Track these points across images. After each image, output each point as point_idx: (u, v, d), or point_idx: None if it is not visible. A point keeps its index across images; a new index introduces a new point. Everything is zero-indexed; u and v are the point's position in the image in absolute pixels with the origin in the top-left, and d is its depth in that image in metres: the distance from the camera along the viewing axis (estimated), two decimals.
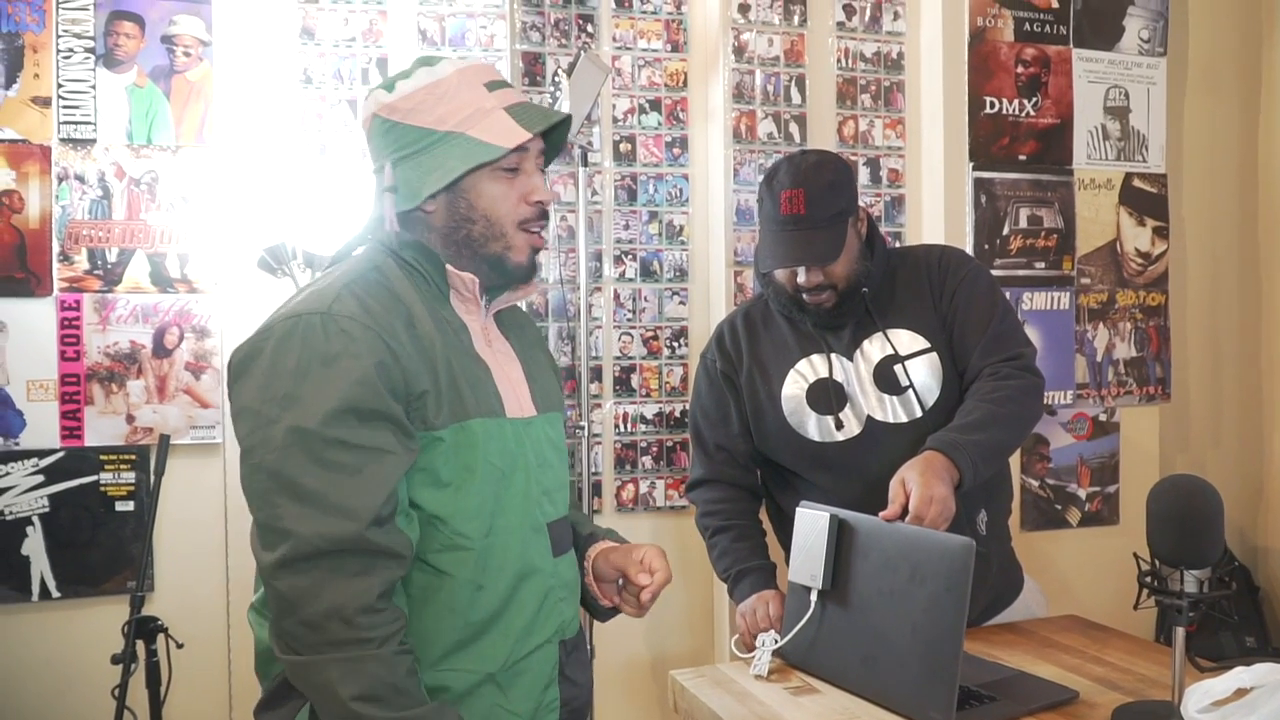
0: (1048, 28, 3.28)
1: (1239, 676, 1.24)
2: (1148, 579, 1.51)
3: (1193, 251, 3.58)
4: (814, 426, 2.06)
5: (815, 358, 2.09)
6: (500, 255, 1.44)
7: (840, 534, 1.76)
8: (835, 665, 1.74)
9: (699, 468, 2.23)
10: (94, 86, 2.64)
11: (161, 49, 2.68)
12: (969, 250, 3.17)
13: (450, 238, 1.42)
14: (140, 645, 2.41)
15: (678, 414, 3.07)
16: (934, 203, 3.21)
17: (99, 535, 2.65)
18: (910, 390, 2.04)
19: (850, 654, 1.71)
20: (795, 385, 2.09)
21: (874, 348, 2.07)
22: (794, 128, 3.14)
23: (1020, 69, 3.26)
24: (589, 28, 3.01)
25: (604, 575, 1.60)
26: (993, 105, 3.22)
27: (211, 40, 2.72)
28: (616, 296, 3.03)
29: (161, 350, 2.69)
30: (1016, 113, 3.25)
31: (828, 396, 2.06)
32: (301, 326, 1.28)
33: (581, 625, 1.58)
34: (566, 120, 1.50)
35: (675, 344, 3.08)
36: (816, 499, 1.90)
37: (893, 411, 2.04)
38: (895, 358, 2.05)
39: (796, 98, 3.15)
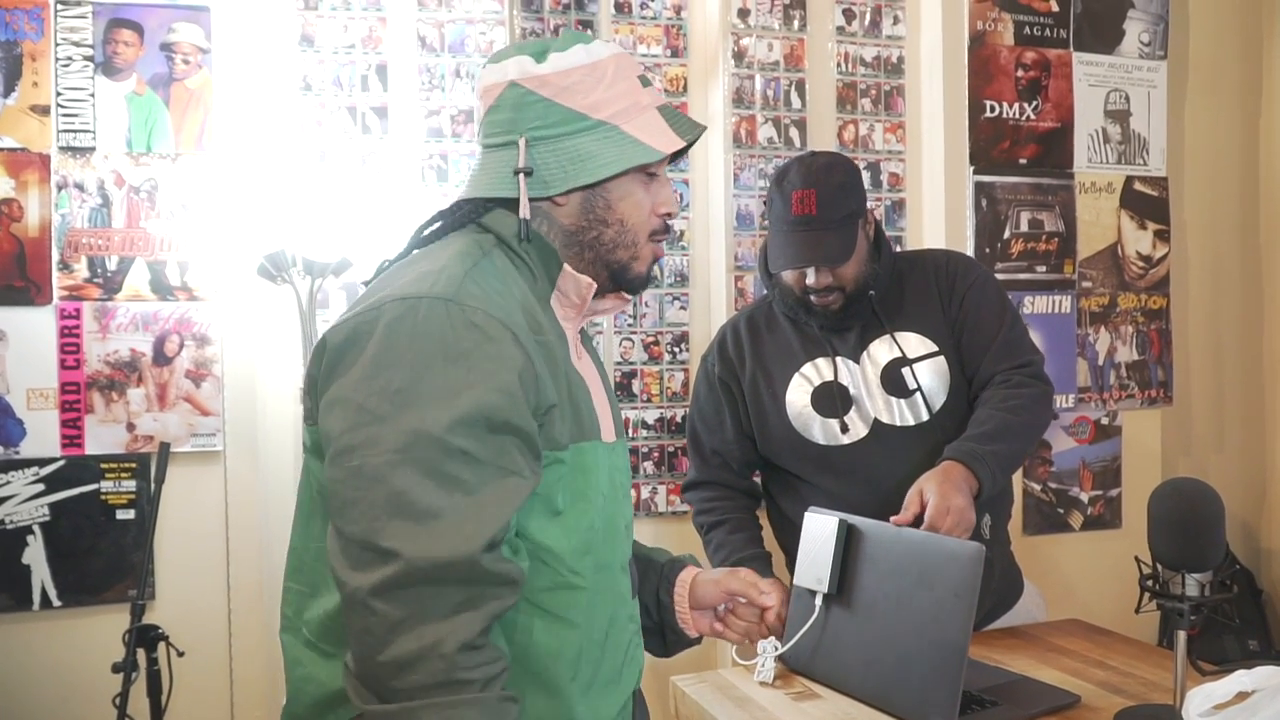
0: (1048, 31, 3.28)
1: (1240, 680, 1.24)
2: (1149, 583, 1.50)
3: (1194, 254, 3.57)
4: (819, 430, 2.06)
5: (820, 361, 2.09)
6: (625, 264, 1.29)
7: (848, 539, 1.76)
8: (838, 670, 1.73)
9: (695, 470, 2.24)
10: (93, 94, 2.64)
11: (161, 57, 2.69)
12: (970, 254, 3.16)
13: (576, 237, 1.26)
14: (141, 654, 2.40)
15: (679, 419, 3.06)
16: (935, 207, 3.20)
17: (100, 544, 2.65)
18: (918, 393, 2.04)
19: (854, 659, 1.70)
20: (800, 389, 2.08)
21: (881, 350, 2.07)
22: (794, 132, 3.14)
23: (1020, 73, 3.25)
24: (589, 33, 3.01)
25: (707, 600, 1.50)
26: (993, 109, 3.22)
27: (211, 48, 2.72)
28: None
29: (162, 358, 2.69)
30: (1017, 116, 3.25)
31: (833, 400, 2.05)
32: (423, 311, 1.09)
33: None
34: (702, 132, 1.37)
35: (676, 349, 3.08)
36: (822, 503, 1.90)
37: (900, 414, 2.04)
38: (903, 360, 2.05)
39: (796, 102, 3.15)
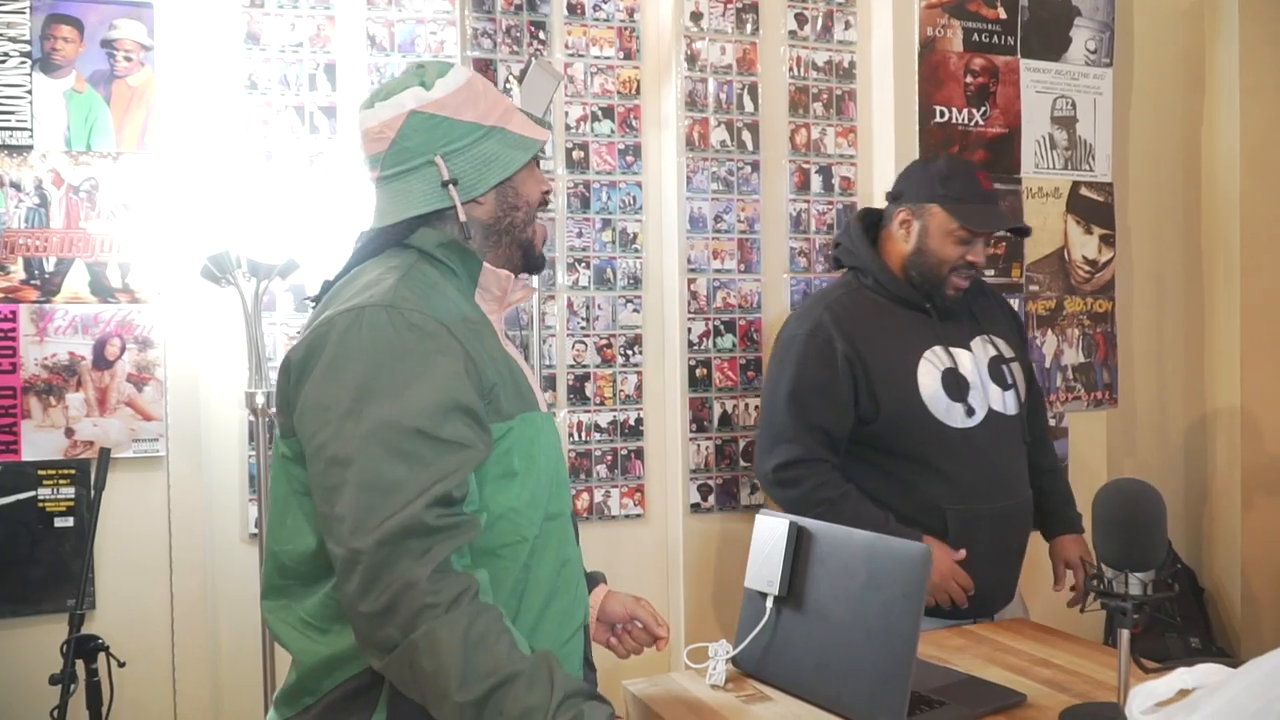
0: (996, 38, 3.32)
1: (1181, 677, 1.25)
2: (1094, 582, 1.52)
3: (1138, 259, 3.63)
4: (949, 412, 2.21)
5: (938, 348, 2.25)
6: (530, 240, 1.52)
7: (799, 541, 1.76)
8: (789, 672, 1.73)
9: (793, 448, 2.24)
10: (30, 91, 2.58)
11: (101, 53, 2.63)
12: None
13: (494, 226, 1.48)
14: (80, 665, 2.36)
15: (632, 422, 3.05)
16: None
17: (37, 552, 2.58)
18: (1014, 389, 2.30)
19: (804, 661, 1.70)
20: (929, 373, 2.23)
21: (983, 346, 2.30)
22: (746, 135, 3.15)
23: (969, 79, 3.29)
24: (541, 35, 2.99)
25: (613, 615, 1.69)
26: (943, 114, 3.25)
27: (153, 44, 2.67)
28: (570, 304, 3.01)
29: (102, 362, 2.63)
30: (966, 122, 3.28)
31: (958, 384, 2.23)
32: (367, 318, 1.29)
33: None
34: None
35: (629, 352, 3.07)
36: (927, 486, 2.17)
37: (1005, 404, 2.28)
38: (1001, 358, 2.31)
39: (749, 106, 3.16)
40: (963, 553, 2.17)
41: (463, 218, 1.43)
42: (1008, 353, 2.34)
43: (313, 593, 1.36)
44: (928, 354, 2.23)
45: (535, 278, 1.62)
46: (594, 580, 1.71)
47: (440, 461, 1.25)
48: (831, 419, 2.23)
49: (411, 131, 1.42)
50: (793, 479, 2.25)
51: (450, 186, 1.41)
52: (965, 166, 2.32)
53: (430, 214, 1.43)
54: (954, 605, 2.19)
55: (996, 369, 2.28)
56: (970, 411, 2.22)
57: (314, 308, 1.45)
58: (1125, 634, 1.49)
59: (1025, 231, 2.46)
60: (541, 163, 2.82)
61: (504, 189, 1.48)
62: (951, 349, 2.25)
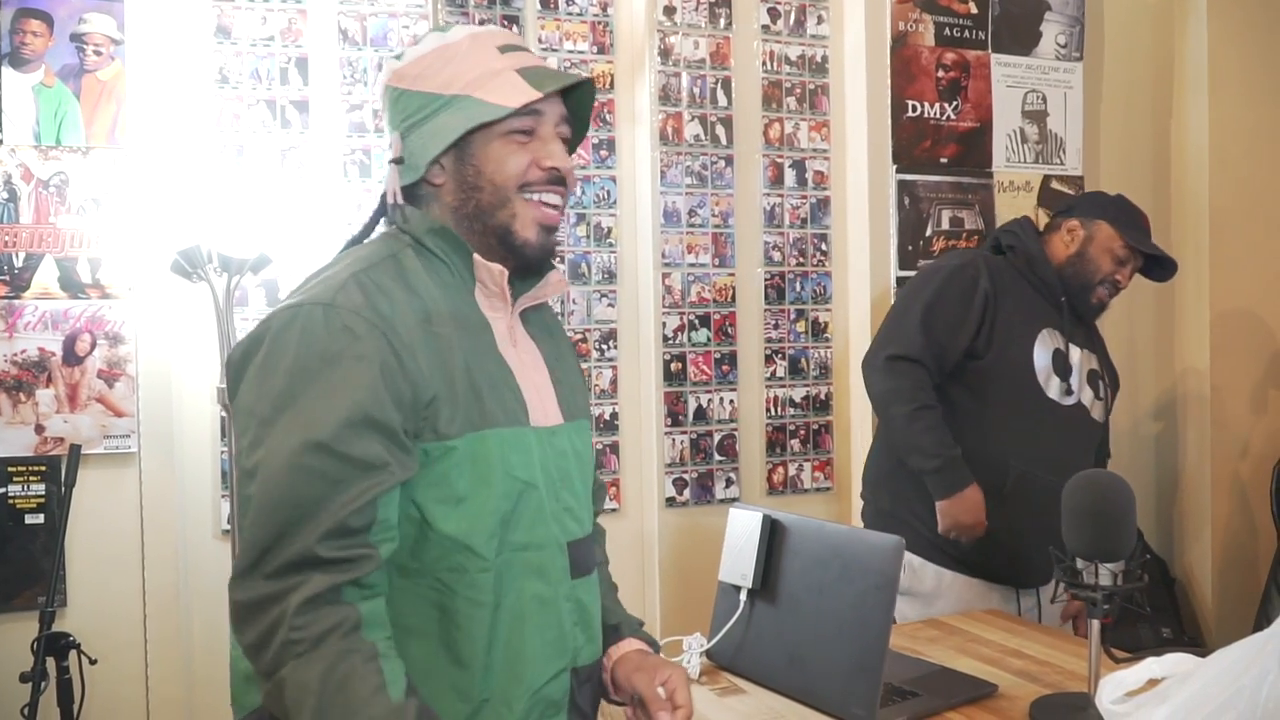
0: (967, 33, 3.34)
1: (1150, 667, 1.26)
2: (1064, 573, 1.53)
3: None
4: (1048, 382, 2.36)
5: (1054, 330, 2.41)
6: (507, 225, 1.28)
7: (772, 533, 1.77)
8: (763, 665, 1.74)
9: (912, 347, 2.33)
10: None
11: (71, 48, 2.61)
12: (893, 251, 3.21)
13: (461, 211, 1.29)
14: (51, 662, 2.34)
15: (607, 416, 3.05)
16: (859, 204, 3.24)
17: (7, 549, 2.56)
18: (1104, 402, 2.47)
19: (778, 653, 1.71)
20: (1044, 344, 2.38)
21: (1088, 357, 2.46)
22: (720, 130, 3.15)
23: (941, 73, 3.30)
24: (514, 29, 2.99)
25: (619, 685, 1.40)
26: (915, 109, 3.26)
27: (124, 39, 2.64)
28: None
29: (72, 358, 2.61)
30: (938, 116, 3.30)
31: (1065, 365, 2.39)
32: (301, 318, 1.16)
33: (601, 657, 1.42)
34: (588, 86, 1.36)
35: (604, 346, 3.07)
36: (1003, 440, 2.29)
37: (1094, 407, 2.44)
38: (1099, 374, 2.47)
39: (723, 100, 3.16)
40: (983, 524, 2.26)
41: (394, 200, 1.31)
42: (1107, 378, 2.52)
43: None
44: (1047, 330, 2.40)
45: (559, 269, 1.37)
46: (618, 631, 1.45)
47: (345, 485, 1.12)
48: (950, 340, 2.34)
49: (387, 107, 1.34)
50: (901, 370, 2.33)
51: (391, 166, 1.31)
52: (1134, 206, 2.52)
53: (421, 195, 1.31)
54: (954, 545, 2.30)
55: (1093, 379, 2.45)
56: (1067, 391, 2.38)
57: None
58: (1096, 624, 1.50)
59: (1171, 269, 2.52)
60: None
61: (461, 167, 1.28)
62: (1070, 341, 2.42)
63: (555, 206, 1.31)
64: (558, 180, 1.30)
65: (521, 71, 1.28)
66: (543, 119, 1.30)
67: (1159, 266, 2.49)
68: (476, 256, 1.28)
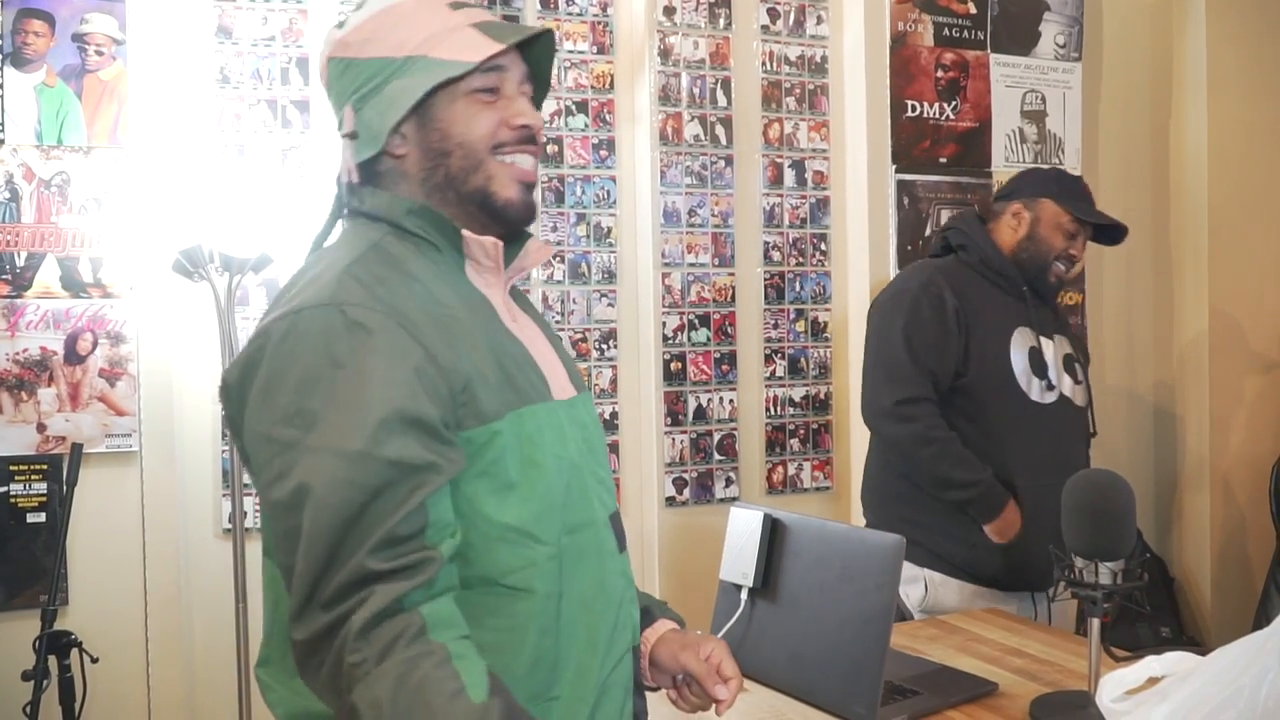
0: (966, 33, 3.34)
1: (1150, 666, 1.27)
2: (1064, 571, 1.54)
3: (1108, 252, 3.66)
4: (1030, 385, 2.33)
5: (1027, 329, 2.37)
6: (484, 188, 1.18)
7: (773, 532, 1.78)
8: (764, 663, 1.74)
9: (910, 386, 2.30)
10: (1, 85, 2.55)
11: (73, 48, 2.61)
12: (893, 250, 3.22)
13: (430, 181, 1.18)
14: (53, 661, 2.35)
15: (607, 416, 3.06)
16: (858, 204, 3.25)
17: (9, 548, 2.56)
18: (1084, 385, 2.45)
19: (779, 652, 1.72)
20: (1019, 346, 2.35)
21: (1060, 342, 2.43)
22: (720, 130, 3.16)
23: (940, 73, 3.31)
24: None
25: (662, 666, 1.33)
26: (914, 109, 3.27)
27: (125, 39, 2.65)
28: (545, 299, 3.01)
29: (74, 357, 2.61)
30: (937, 116, 3.30)
31: (1041, 362, 2.36)
32: (301, 325, 1.05)
33: None
34: (547, 37, 1.25)
35: (604, 346, 3.07)
36: (1000, 455, 2.25)
37: (1075, 395, 2.41)
38: (1074, 357, 2.45)
39: (722, 100, 3.17)
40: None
41: (348, 178, 1.20)
42: (1081, 359, 2.51)
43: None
44: (1019, 330, 2.36)
45: (536, 237, 1.27)
46: (649, 613, 1.39)
47: (389, 491, 1.02)
48: (939, 364, 2.31)
49: (330, 81, 1.21)
50: (910, 415, 2.29)
51: (345, 141, 1.19)
52: (1073, 176, 2.54)
53: (384, 175, 1.19)
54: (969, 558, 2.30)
55: (1069, 364, 2.43)
56: (1050, 387, 2.35)
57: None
58: (1095, 623, 1.51)
59: (1122, 232, 2.51)
60: None
61: (425, 133, 1.17)
62: (1040, 335, 2.39)
63: (528, 162, 1.22)
64: (529, 139, 1.20)
65: (478, 26, 1.18)
66: (506, 75, 1.20)
67: (1110, 232, 2.48)
68: (466, 232, 1.18)
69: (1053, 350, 2.40)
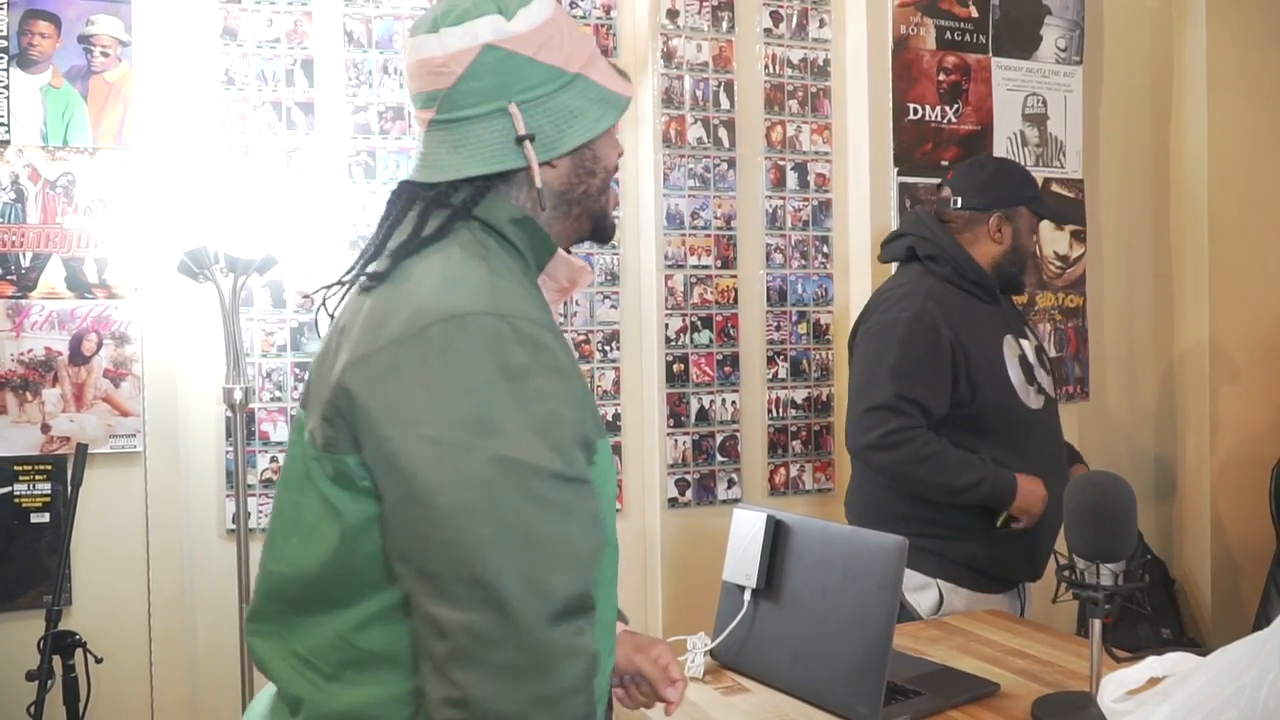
0: (968, 36, 3.35)
1: (1151, 666, 1.28)
2: (1066, 573, 1.55)
3: (1109, 254, 3.68)
4: (1027, 395, 2.35)
5: (1009, 337, 2.38)
6: (604, 209, 1.27)
7: (776, 534, 1.79)
8: (767, 664, 1.75)
9: (894, 417, 2.23)
10: (7, 87, 2.57)
11: (78, 49, 2.62)
12: None
13: (566, 195, 1.22)
14: (57, 660, 2.36)
15: (610, 417, 3.07)
16: (860, 207, 3.26)
17: (13, 548, 2.57)
18: (1051, 374, 2.48)
19: (782, 652, 1.73)
20: (1011, 358, 2.36)
21: (1030, 337, 2.46)
22: (723, 133, 3.17)
23: (942, 76, 3.32)
24: None
25: (617, 666, 1.39)
26: (916, 111, 3.28)
27: (131, 40, 2.66)
28: None
29: (79, 357, 2.62)
30: (939, 119, 3.31)
31: (1029, 369, 2.39)
32: (471, 329, 1.03)
33: None
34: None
35: (607, 348, 3.08)
36: (1010, 465, 2.23)
37: (1051, 389, 2.44)
38: (1042, 349, 2.49)
39: (725, 103, 3.18)
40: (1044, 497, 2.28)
41: (538, 183, 1.16)
42: (1039, 341, 2.53)
43: (312, 626, 1.12)
44: (1005, 340, 2.36)
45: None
46: None
47: (586, 512, 1.04)
48: (931, 399, 2.26)
49: (484, 70, 1.15)
50: (895, 442, 2.24)
51: (526, 143, 1.15)
52: (1023, 169, 2.57)
53: (493, 176, 1.17)
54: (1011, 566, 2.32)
55: (1040, 358, 2.45)
56: (1040, 391, 2.37)
57: (355, 290, 1.18)
58: (1097, 624, 1.52)
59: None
60: None
61: (582, 152, 1.21)
62: (1019, 338, 2.41)
63: None
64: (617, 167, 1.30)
65: (605, 58, 1.26)
66: None
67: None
68: (561, 251, 1.22)
69: (1031, 350, 2.41)
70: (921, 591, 2.27)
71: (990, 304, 2.39)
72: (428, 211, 1.17)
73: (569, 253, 1.27)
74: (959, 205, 2.43)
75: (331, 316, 1.21)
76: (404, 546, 1.03)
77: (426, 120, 1.19)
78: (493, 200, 1.17)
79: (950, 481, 2.22)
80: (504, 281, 1.10)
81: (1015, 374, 2.33)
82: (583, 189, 1.23)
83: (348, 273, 1.19)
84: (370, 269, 1.16)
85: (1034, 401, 2.34)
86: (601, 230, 1.28)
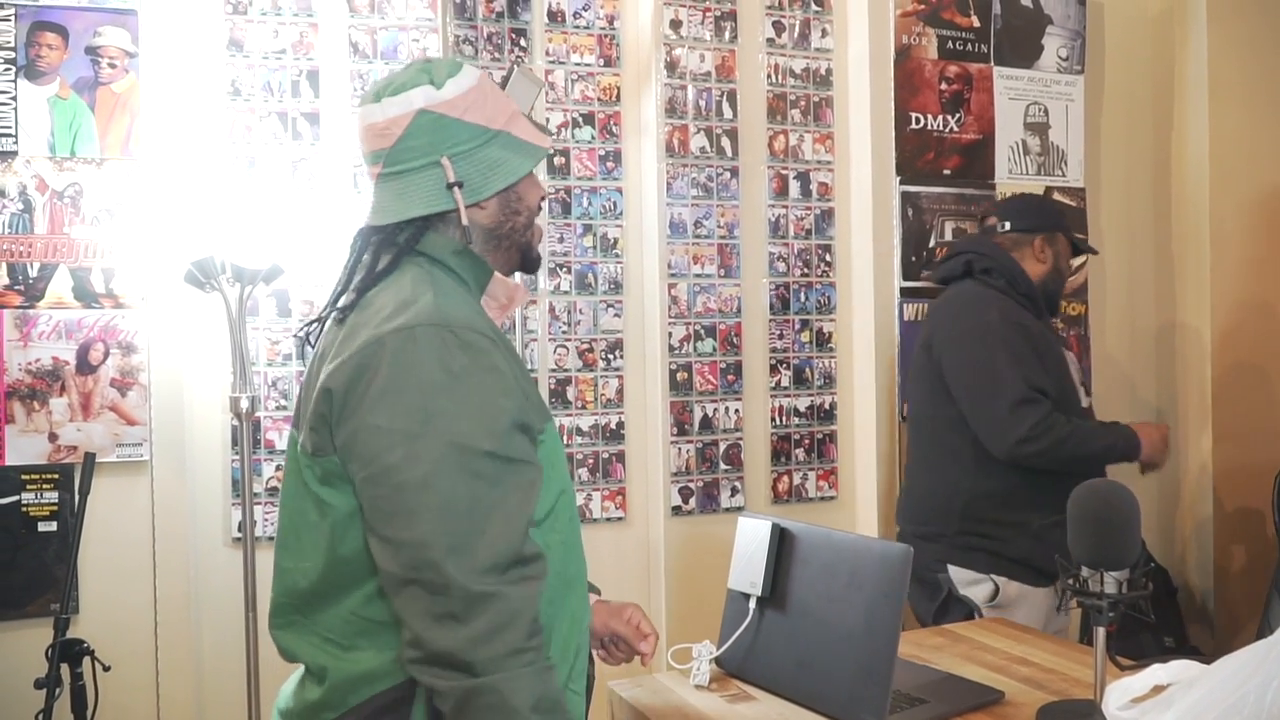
0: (970, 46, 3.37)
1: (1156, 674, 1.29)
2: (1070, 581, 1.55)
3: (1111, 262, 3.69)
4: (1081, 397, 2.64)
5: (1062, 347, 2.66)
6: (530, 243, 1.50)
7: (781, 542, 1.80)
8: (773, 672, 1.76)
9: (1037, 410, 2.40)
10: (14, 98, 2.58)
11: (86, 60, 2.64)
12: (897, 262, 3.24)
13: (495, 231, 1.45)
14: (65, 669, 2.36)
15: (613, 425, 3.08)
16: (862, 216, 3.27)
17: (20, 557, 2.58)
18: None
19: (787, 660, 1.73)
20: (1072, 363, 2.67)
21: (1072, 356, 2.73)
22: (726, 142, 3.18)
23: (944, 86, 3.33)
24: (522, 42, 3.02)
25: (594, 632, 1.63)
26: (918, 121, 3.30)
27: (138, 51, 2.67)
28: (552, 309, 3.03)
29: (86, 367, 2.63)
30: (941, 128, 3.33)
31: (1079, 373, 2.70)
32: (419, 337, 1.25)
33: None
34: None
35: (610, 356, 3.09)
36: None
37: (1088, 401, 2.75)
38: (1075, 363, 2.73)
39: (728, 112, 3.19)
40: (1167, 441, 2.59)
41: (465, 221, 1.39)
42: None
43: (329, 609, 1.33)
44: (1068, 354, 2.64)
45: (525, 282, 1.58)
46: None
47: (519, 484, 1.27)
48: (1046, 383, 2.46)
49: (419, 130, 1.38)
50: (1041, 431, 2.40)
51: (455, 189, 1.38)
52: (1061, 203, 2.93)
53: (433, 217, 1.40)
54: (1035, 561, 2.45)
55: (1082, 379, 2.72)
56: (1088, 393, 2.64)
57: (330, 322, 1.40)
58: (1101, 631, 1.52)
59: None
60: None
61: (507, 194, 1.44)
62: (1066, 350, 2.67)
63: None
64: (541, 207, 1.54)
65: (525, 116, 1.49)
66: None
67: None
68: (498, 274, 1.44)
69: (1074, 363, 2.68)
70: (975, 586, 2.47)
71: (1039, 317, 2.60)
72: (380, 250, 1.41)
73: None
74: (1006, 228, 2.68)
75: (313, 347, 1.44)
76: (370, 519, 1.26)
77: (375, 174, 1.42)
78: (433, 237, 1.40)
79: (1090, 452, 2.43)
80: (447, 300, 1.32)
81: (1074, 376, 2.63)
82: (510, 225, 1.46)
83: (324, 310, 1.42)
84: (340, 304, 1.39)
85: (1085, 403, 2.65)
86: (528, 260, 1.52)
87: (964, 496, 2.51)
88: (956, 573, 2.49)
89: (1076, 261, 2.85)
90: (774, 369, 3.25)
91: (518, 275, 1.72)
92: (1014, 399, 2.40)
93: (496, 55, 2.99)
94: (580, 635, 1.43)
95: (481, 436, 1.24)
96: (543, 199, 1.53)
